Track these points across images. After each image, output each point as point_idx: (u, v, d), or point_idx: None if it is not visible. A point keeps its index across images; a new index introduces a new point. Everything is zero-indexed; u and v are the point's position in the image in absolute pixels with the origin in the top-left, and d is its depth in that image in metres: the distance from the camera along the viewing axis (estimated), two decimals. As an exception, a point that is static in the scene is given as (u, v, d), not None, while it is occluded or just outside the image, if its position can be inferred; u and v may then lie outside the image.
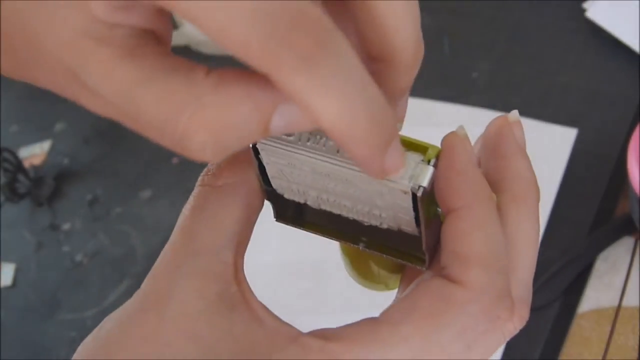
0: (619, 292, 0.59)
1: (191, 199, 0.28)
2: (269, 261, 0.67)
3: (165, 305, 0.26)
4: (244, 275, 0.27)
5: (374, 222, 0.28)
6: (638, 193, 0.55)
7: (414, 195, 0.26)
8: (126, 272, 0.74)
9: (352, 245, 0.30)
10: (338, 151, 0.26)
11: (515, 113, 0.29)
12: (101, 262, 0.76)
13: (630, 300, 0.59)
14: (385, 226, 0.28)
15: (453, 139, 0.26)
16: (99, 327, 0.27)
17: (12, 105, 0.92)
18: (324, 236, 0.30)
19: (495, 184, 0.28)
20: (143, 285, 0.28)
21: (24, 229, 0.81)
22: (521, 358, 0.59)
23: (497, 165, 0.28)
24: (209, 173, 0.28)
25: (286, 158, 0.27)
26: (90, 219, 0.79)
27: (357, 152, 0.22)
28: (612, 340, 0.57)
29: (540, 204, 0.67)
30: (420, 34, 0.26)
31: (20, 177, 0.83)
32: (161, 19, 0.23)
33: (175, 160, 0.81)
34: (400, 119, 0.28)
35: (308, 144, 0.26)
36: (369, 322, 0.26)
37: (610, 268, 0.61)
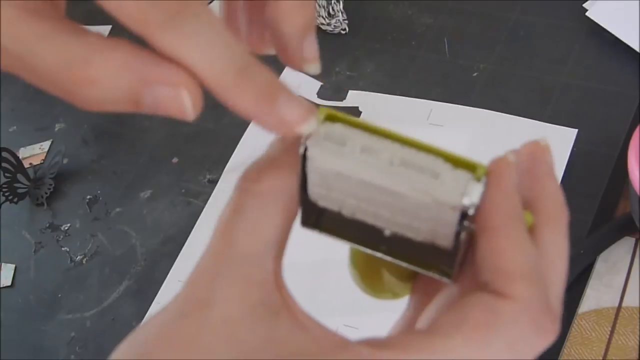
0: (619, 292, 0.59)
1: (230, 203, 0.28)
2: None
3: (206, 311, 0.26)
4: (284, 282, 0.28)
5: (409, 234, 0.28)
6: (638, 193, 0.55)
7: (464, 212, 0.26)
8: (126, 272, 0.74)
9: (371, 251, 0.30)
10: (390, 164, 0.27)
11: (545, 139, 0.30)
12: (101, 262, 0.76)
13: (630, 301, 0.59)
14: (420, 239, 0.28)
15: (503, 163, 0.28)
16: (134, 333, 0.27)
17: (12, 105, 0.92)
18: (344, 241, 0.30)
19: (529, 203, 0.29)
20: (182, 291, 0.27)
21: (23, 229, 0.81)
22: (521, 358, 0.58)
23: (531, 187, 0.30)
24: (249, 178, 0.28)
25: (337, 168, 0.27)
26: (90, 219, 0.79)
27: (237, 102, 0.26)
28: (612, 341, 0.57)
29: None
30: None
31: (20, 177, 0.83)
32: None
33: (175, 160, 0.81)
34: (310, 59, 0.30)
35: (362, 157, 0.27)
36: (419, 333, 0.26)
37: (611, 268, 0.61)
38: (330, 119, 0.28)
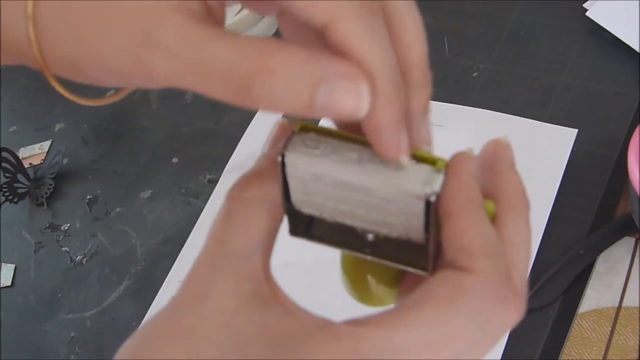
0: (619, 293, 0.59)
1: (221, 210, 0.31)
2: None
3: (202, 303, 0.28)
4: (272, 275, 0.30)
5: (385, 230, 0.31)
6: (638, 193, 0.55)
7: (427, 201, 0.29)
8: (126, 272, 0.74)
9: (358, 253, 0.32)
10: (359, 162, 0.29)
11: (506, 137, 0.33)
12: (101, 262, 0.76)
13: (630, 301, 0.59)
14: (395, 234, 0.30)
15: (462, 155, 0.31)
16: (136, 331, 0.29)
17: (12, 105, 0.92)
18: (332, 247, 0.33)
19: (493, 195, 0.32)
20: (179, 289, 0.30)
21: (23, 229, 0.81)
22: (521, 358, 0.59)
23: (493, 180, 0.32)
24: (237, 187, 0.31)
25: (312, 169, 0.30)
26: (90, 219, 0.79)
27: (381, 110, 0.27)
28: (612, 341, 0.57)
29: (540, 204, 0.67)
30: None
31: (20, 177, 0.83)
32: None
33: (175, 160, 0.81)
34: (426, 142, 0.32)
35: (333, 156, 0.30)
36: (392, 309, 0.28)
37: (611, 268, 0.61)
38: (304, 129, 0.30)
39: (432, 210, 0.29)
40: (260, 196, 0.30)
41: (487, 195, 0.31)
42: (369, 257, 0.32)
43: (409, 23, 0.30)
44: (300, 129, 0.30)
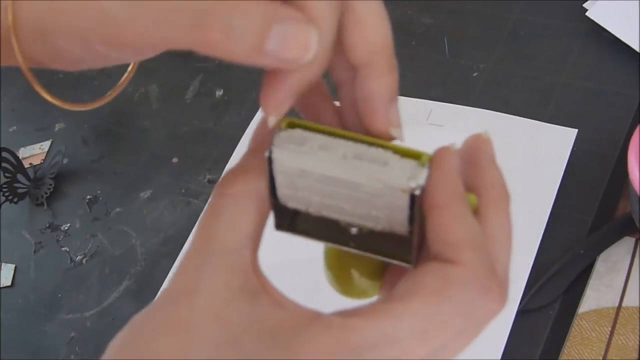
0: (619, 293, 0.59)
1: (208, 206, 0.31)
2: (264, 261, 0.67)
3: (194, 297, 0.29)
4: (260, 268, 0.31)
5: (370, 224, 0.31)
6: (638, 193, 0.55)
7: (412, 194, 0.29)
8: (126, 272, 0.74)
9: (342, 247, 0.33)
10: (345, 157, 0.30)
11: (486, 132, 0.33)
12: (101, 262, 0.76)
13: (630, 301, 0.59)
14: (379, 227, 0.31)
15: (445, 150, 0.31)
16: (128, 324, 0.30)
17: (12, 105, 0.92)
18: (317, 241, 0.33)
19: (474, 188, 0.32)
20: (169, 283, 0.30)
21: (23, 229, 0.81)
22: (521, 358, 0.59)
23: (475, 174, 0.32)
24: (224, 184, 0.31)
25: (299, 165, 0.30)
26: (90, 219, 0.79)
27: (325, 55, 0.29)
28: (612, 341, 0.58)
29: (540, 204, 0.67)
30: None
31: (20, 177, 0.83)
32: None
33: (175, 160, 0.81)
34: (395, 125, 0.33)
35: (319, 153, 0.30)
36: (382, 301, 0.29)
37: (611, 268, 0.61)
38: (291, 125, 0.31)
39: (417, 204, 0.30)
40: (247, 191, 0.31)
41: (468, 188, 0.32)
42: (353, 250, 0.32)
43: (373, 8, 0.31)
44: (287, 125, 0.31)
